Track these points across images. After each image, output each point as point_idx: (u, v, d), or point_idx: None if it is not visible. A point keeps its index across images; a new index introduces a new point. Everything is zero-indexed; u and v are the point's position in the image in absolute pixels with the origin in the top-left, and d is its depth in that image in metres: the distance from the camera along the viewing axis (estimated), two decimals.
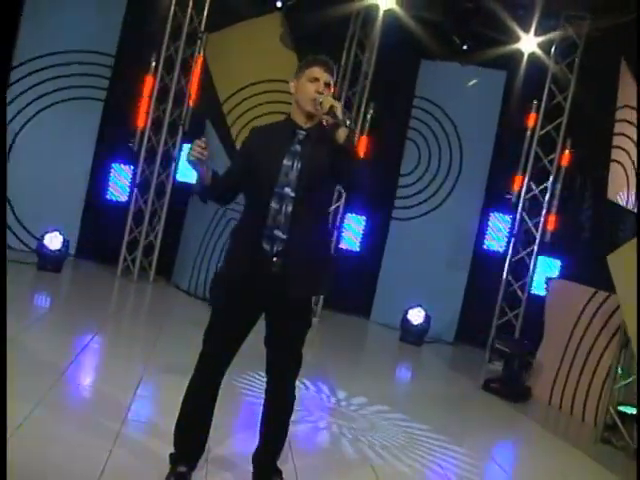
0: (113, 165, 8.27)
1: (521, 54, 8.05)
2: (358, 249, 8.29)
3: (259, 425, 3.32)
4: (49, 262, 7.39)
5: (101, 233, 8.17)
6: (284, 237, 3.06)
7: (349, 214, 8.24)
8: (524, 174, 7.74)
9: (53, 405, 3.79)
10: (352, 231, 8.27)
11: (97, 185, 8.30)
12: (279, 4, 7.92)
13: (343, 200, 8.19)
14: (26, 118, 8.00)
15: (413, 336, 7.97)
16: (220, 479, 3.40)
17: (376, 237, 8.64)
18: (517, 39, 8.00)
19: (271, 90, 8.60)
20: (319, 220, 3.17)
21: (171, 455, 3.20)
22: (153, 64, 7.77)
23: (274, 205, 3.07)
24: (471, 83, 8.34)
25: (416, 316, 7.98)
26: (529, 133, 7.77)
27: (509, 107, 8.24)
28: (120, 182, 8.23)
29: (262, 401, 3.29)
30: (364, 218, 8.29)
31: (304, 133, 3.12)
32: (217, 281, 3.30)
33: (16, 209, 7.96)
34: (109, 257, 8.08)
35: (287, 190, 3.08)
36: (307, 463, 3.83)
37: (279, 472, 3.35)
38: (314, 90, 3.07)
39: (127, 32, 8.10)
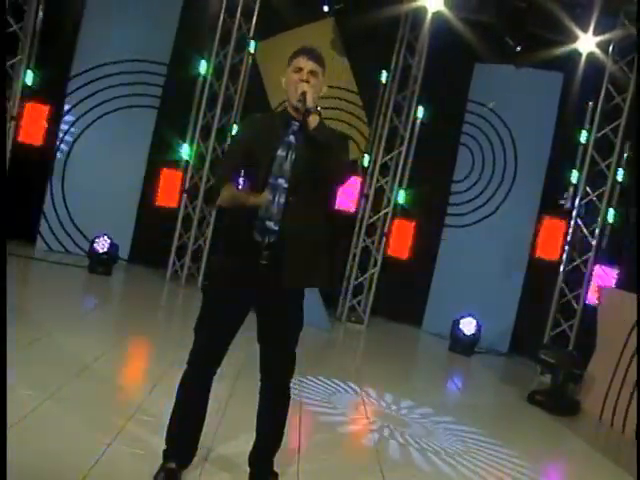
0: (164, 171, 8.39)
1: (579, 54, 7.72)
2: (407, 256, 8.09)
3: (255, 425, 3.26)
4: (100, 265, 7.58)
5: (152, 238, 8.31)
6: (276, 229, 3.00)
7: (397, 219, 8.05)
8: (579, 178, 7.39)
9: (65, 398, 3.83)
10: (399, 238, 8.08)
11: (149, 190, 8.46)
12: (326, 8, 7.92)
13: (391, 207, 8.07)
14: (84, 125, 8.26)
15: (462, 346, 7.73)
16: (216, 478, 3.34)
17: (428, 244, 8.44)
18: (574, 39, 7.69)
19: (324, 97, 8.57)
20: (313, 212, 3.09)
21: (164, 451, 3.17)
22: (202, 71, 7.87)
23: (267, 196, 3.01)
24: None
25: (467, 326, 7.73)
26: (585, 136, 7.41)
27: (566, 110, 7.91)
28: (170, 188, 8.35)
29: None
30: (413, 225, 8.09)
31: (298, 124, 3.05)
32: (209, 272, 3.21)
33: (72, 213, 8.21)
34: (159, 262, 8.22)
35: (281, 181, 3.02)
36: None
37: (275, 474, 3.27)
38: (297, 79, 3.01)
39: (180, 42, 8.25)
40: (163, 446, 3.17)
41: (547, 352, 6.28)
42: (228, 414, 4.11)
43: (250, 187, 3.07)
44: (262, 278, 3.01)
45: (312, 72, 3.05)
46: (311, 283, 3.20)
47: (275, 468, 3.27)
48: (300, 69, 3.05)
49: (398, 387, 5.83)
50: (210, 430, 3.66)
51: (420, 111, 8.01)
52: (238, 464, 3.40)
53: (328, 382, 5.40)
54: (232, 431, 3.85)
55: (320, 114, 3.00)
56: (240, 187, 3.14)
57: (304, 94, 2.97)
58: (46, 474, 2.98)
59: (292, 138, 3.06)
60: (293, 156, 3.03)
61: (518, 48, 7.43)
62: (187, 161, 8.15)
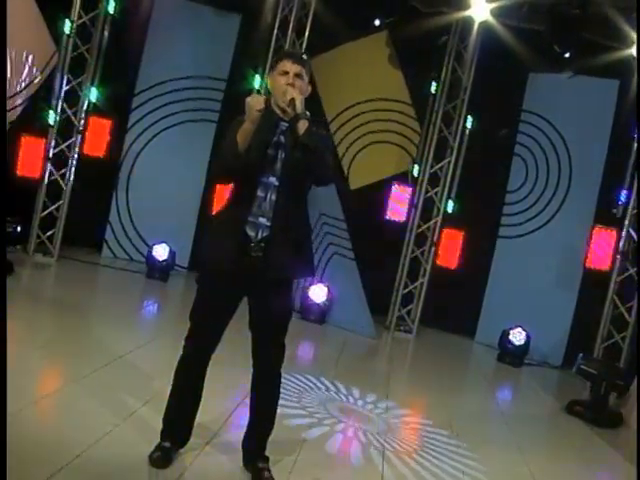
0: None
1: (634, 60, 7.54)
2: (456, 266, 8.07)
3: (248, 411, 3.43)
4: (157, 271, 7.97)
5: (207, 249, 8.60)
6: (268, 224, 3.17)
7: (446, 229, 8.06)
8: (631, 187, 7.20)
9: (90, 382, 4.13)
10: (448, 248, 8.07)
11: (209, 201, 8.79)
12: (377, 22, 8.05)
13: (441, 216, 8.09)
14: (148, 138, 8.70)
15: (511, 357, 7.64)
16: (212, 460, 3.52)
17: (479, 255, 8.39)
18: (630, 44, 7.52)
19: (377, 109, 8.75)
20: (300, 207, 3.27)
21: (161, 432, 3.38)
22: (256, 86, 8.18)
23: (259, 193, 3.20)
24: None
25: (516, 336, 7.64)
26: (637, 143, 7.23)
27: (622, 117, 7.73)
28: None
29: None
30: (462, 235, 8.07)
31: (286, 125, 3.22)
32: (201, 265, 3.42)
33: (136, 223, 8.66)
34: None
35: (272, 179, 3.20)
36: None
37: (266, 458, 3.42)
38: (284, 82, 3.17)
39: (237, 58, 8.60)
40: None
41: (588, 362, 6.14)
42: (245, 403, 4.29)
43: (241, 185, 3.27)
44: (253, 270, 3.19)
45: (297, 74, 3.22)
46: (297, 274, 3.36)
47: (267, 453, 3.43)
48: (286, 72, 3.22)
49: (427, 393, 5.87)
50: (221, 417, 3.86)
51: (469, 121, 8.00)
52: (237, 450, 3.57)
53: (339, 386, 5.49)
54: (243, 419, 4.03)
55: (308, 118, 3.15)
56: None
57: (293, 100, 3.12)
58: (47, 445, 3.24)
59: (282, 138, 3.23)
60: (283, 155, 3.20)
61: (567, 55, 7.30)
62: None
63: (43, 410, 3.61)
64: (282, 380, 3.40)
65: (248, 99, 3.13)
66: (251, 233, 3.18)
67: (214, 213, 3.49)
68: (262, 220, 3.18)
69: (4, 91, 6.72)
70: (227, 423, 3.98)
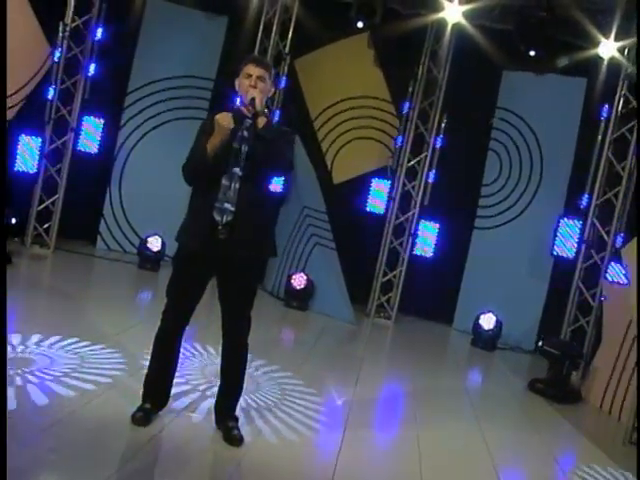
0: None
1: (601, 59, 7.95)
2: (431, 255, 8.51)
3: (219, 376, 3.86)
4: (148, 262, 8.39)
5: None
6: (232, 209, 3.58)
7: (422, 222, 8.48)
8: (594, 180, 7.64)
9: (82, 357, 4.55)
10: (425, 239, 8.50)
11: None
12: (360, 24, 8.42)
13: (417, 208, 8.51)
14: (140, 135, 9.12)
15: (483, 342, 8.05)
16: (187, 421, 3.95)
17: (458, 245, 8.80)
18: (597, 44, 7.93)
19: (359, 106, 9.16)
20: (261, 195, 3.69)
21: (142, 395, 3.81)
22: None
23: (225, 182, 3.61)
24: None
25: (487, 321, 8.07)
26: (600, 138, 7.65)
27: (589, 114, 8.15)
28: None
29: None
30: (438, 225, 8.50)
31: (250, 122, 3.63)
32: (178, 246, 3.84)
33: (128, 216, 9.08)
34: None
35: (236, 170, 3.61)
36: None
37: (236, 418, 3.85)
38: (248, 84, 3.59)
39: (224, 59, 9.00)
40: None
41: (548, 343, 6.56)
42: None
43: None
44: (220, 250, 3.60)
45: (260, 77, 3.63)
46: (261, 254, 3.78)
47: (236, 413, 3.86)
48: (250, 75, 3.63)
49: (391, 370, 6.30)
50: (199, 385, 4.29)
51: (445, 118, 8.40)
52: (210, 412, 3.99)
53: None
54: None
55: (267, 115, 3.58)
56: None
57: (253, 100, 3.54)
58: (47, 403, 3.67)
59: (245, 133, 3.64)
60: (246, 149, 3.62)
61: (533, 54, 7.70)
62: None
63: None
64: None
65: (217, 117, 3.53)
66: (217, 218, 3.58)
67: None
68: (227, 206, 3.59)
69: (4, 90, 7.09)
70: (206, 393, 4.40)
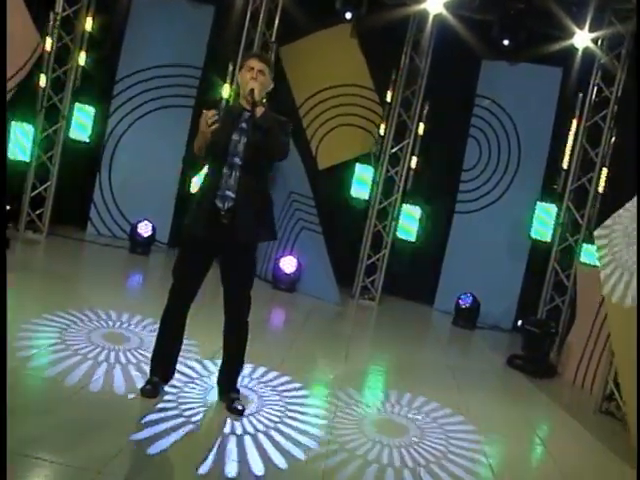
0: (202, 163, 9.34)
1: (576, 50, 8.27)
2: (414, 239, 8.83)
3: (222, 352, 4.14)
4: (139, 246, 8.62)
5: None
6: (233, 196, 3.85)
7: (405, 205, 8.79)
8: (569, 165, 8.00)
9: (78, 337, 4.81)
10: (408, 222, 8.82)
11: (187, 182, 9.42)
12: (349, 16, 8.63)
13: (400, 192, 8.82)
14: (128, 123, 9.30)
15: (464, 320, 8.41)
16: (193, 393, 4.23)
17: (439, 229, 9.13)
18: (571, 35, 8.24)
19: (343, 94, 9.42)
20: (260, 182, 3.95)
21: (150, 370, 4.09)
22: (230, 74, 8.79)
23: (226, 171, 3.88)
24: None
25: (465, 300, 8.44)
26: (575, 125, 8.00)
27: (564, 102, 8.48)
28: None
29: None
30: (420, 209, 8.81)
31: (249, 114, 3.89)
32: (184, 230, 4.10)
33: (118, 202, 9.28)
34: None
35: (236, 159, 3.88)
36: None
37: (237, 390, 4.14)
38: (249, 77, 3.85)
39: (211, 47, 9.21)
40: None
41: (529, 322, 6.93)
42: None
43: (211, 164, 3.96)
44: (222, 235, 3.87)
45: (260, 71, 3.89)
46: (261, 238, 4.05)
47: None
48: (251, 68, 3.89)
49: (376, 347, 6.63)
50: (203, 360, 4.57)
51: (426, 106, 8.68)
52: (214, 385, 4.28)
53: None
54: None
55: (265, 105, 3.85)
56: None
57: (252, 90, 3.81)
58: (56, 381, 3.93)
59: (244, 125, 3.90)
60: (245, 139, 3.88)
61: (508, 44, 8.00)
62: None
63: (52, 357, 4.30)
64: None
65: (202, 117, 3.80)
66: (219, 204, 3.85)
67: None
68: (228, 193, 3.86)
69: (4, 89, 7.26)
70: (208, 366, 4.69)
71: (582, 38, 8.18)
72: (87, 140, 8.60)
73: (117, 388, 4.07)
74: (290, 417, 4.23)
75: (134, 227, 8.70)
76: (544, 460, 4.72)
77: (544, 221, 8.22)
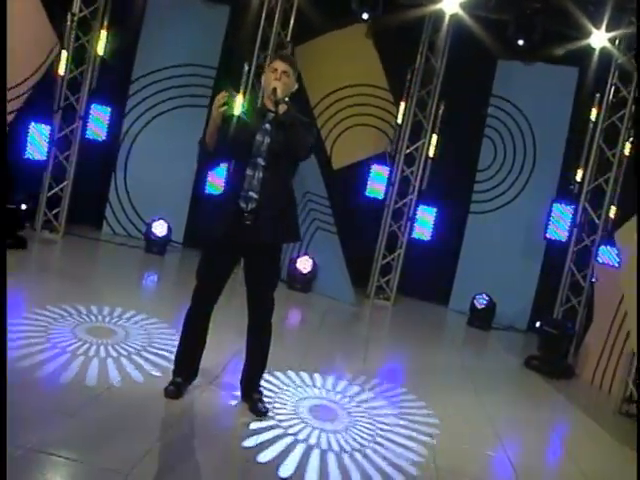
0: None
1: (592, 49, 8.23)
2: (429, 239, 8.82)
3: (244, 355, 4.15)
4: (155, 246, 8.64)
5: (203, 223, 9.28)
6: (256, 197, 3.86)
7: (420, 206, 8.78)
8: (586, 166, 7.97)
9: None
10: (423, 222, 8.82)
11: (201, 181, 9.44)
12: (365, 16, 8.60)
13: (416, 193, 8.81)
14: (144, 123, 9.34)
15: (479, 321, 8.39)
16: (217, 394, 4.24)
17: (454, 229, 9.12)
18: (588, 35, 8.20)
19: (358, 94, 9.42)
20: (283, 183, 3.95)
21: (172, 370, 4.10)
22: (245, 74, 8.80)
23: (249, 172, 3.88)
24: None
25: (480, 300, 8.42)
26: (592, 125, 7.97)
27: (580, 102, 8.45)
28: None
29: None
30: (435, 210, 8.80)
31: (272, 114, 3.89)
32: (207, 232, 4.11)
33: (133, 202, 9.31)
34: None
35: (259, 160, 3.88)
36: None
37: (260, 392, 4.15)
38: (273, 78, 3.85)
39: (226, 47, 9.22)
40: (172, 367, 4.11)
41: (547, 322, 6.91)
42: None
43: (235, 166, 3.96)
44: (246, 236, 3.88)
45: (284, 72, 3.90)
46: (284, 239, 4.06)
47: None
48: (275, 69, 3.90)
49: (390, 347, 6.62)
50: (222, 362, 4.58)
51: (442, 106, 8.66)
52: (236, 388, 4.29)
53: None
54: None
55: (287, 104, 3.86)
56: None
57: (275, 89, 3.82)
58: (81, 380, 3.96)
59: (267, 126, 3.91)
60: (268, 140, 3.88)
61: (521, 42, 7.97)
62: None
63: (67, 356, 4.33)
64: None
65: (214, 104, 3.78)
66: (243, 205, 3.86)
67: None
68: (251, 194, 3.86)
69: (4, 88, 7.28)
70: (228, 367, 4.70)
71: (599, 38, 8.14)
72: (103, 139, 8.63)
73: (138, 388, 4.08)
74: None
75: (149, 226, 8.72)
76: (564, 462, 4.71)
77: (560, 221, 8.18)
